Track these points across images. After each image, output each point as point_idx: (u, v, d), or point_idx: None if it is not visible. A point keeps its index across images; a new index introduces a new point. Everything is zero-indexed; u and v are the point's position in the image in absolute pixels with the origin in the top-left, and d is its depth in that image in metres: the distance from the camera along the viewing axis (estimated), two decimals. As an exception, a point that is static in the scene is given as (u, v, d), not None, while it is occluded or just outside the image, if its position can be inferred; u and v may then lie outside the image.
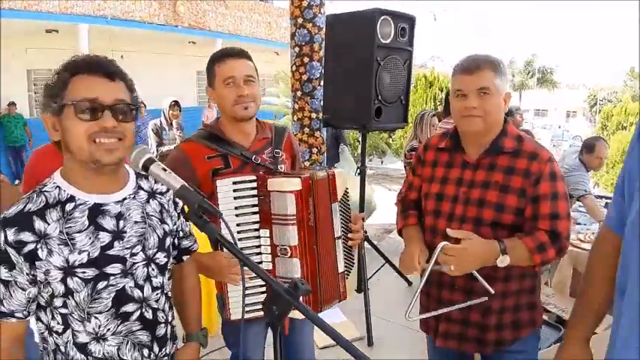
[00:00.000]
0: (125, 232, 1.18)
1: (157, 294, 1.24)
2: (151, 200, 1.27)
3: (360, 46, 3.08)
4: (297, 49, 3.71)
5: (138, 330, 1.20)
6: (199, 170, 1.65)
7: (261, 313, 1.18)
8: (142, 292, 1.20)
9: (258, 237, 1.61)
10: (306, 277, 1.56)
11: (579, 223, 3.82)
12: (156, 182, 1.29)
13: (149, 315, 1.22)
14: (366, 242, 3.74)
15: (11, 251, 1.06)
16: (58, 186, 1.15)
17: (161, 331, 1.26)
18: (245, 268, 1.03)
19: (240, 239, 1.58)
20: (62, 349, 1.15)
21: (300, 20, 3.65)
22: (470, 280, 1.54)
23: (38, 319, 1.17)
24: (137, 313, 1.20)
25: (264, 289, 1.59)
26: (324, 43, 3.53)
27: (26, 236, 1.07)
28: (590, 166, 4.18)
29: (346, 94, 3.21)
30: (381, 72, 3.08)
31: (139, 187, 1.26)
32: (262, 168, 1.70)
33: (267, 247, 1.60)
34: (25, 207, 1.10)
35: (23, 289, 1.10)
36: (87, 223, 1.13)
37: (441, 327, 1.66)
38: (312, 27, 3.64)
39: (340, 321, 3.35)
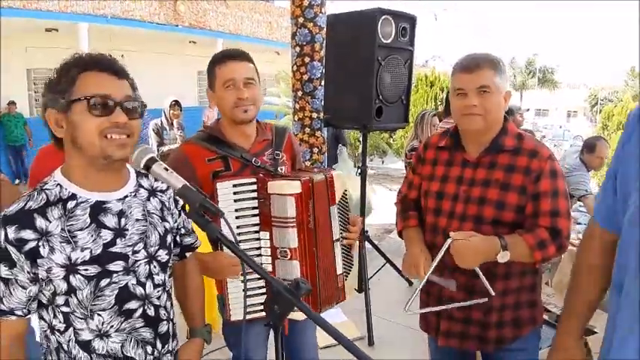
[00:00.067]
0: (127, 229, 1.18)
1: (159, 291, 1.25)
2: (151, 198, 1.27)
3: (361, 45, 3.08)
4: (298, 48, 3.71)
5: (141, 327, 1.21)
6: (200, 172, 1.65)
7: (262, 313, 1.18)
8: (144, 290, 1.21)
9: (258, 239, 1.61)
10: (306, 278, 1.56)
11: (580, 223, 3.81)
12: (156, 180, 1.29)
13: (151, 312, 1.23)
14: (366, 242, 3.74)
15: (11, 249, 1.06)
16: (59, 184, 1.15)
17: (163, 328, 1.27)
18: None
19: (240, 241, 1.58)
20: (65, 347, 1.16)
21: (301, 20, 3.65)
22: (471, 277, 1.54)
23: (40, 317, 1.17)
24: (140, 311, 1.20)
25: (264, 289, 1.59)
26: (325, 42, 3.53)
27: (27, 234, 1.07)
28: (591, 165, 4.18)
29: (347, 94, 3.20)
30: (381, 72, 3.08)
31: (140, 185, 1.26)
32: (262, 170, 1.70)
33: (267, 250, 1.61)
34: (25, 205, 1.10)
35: (23, 287, 1.10)
36: (88, 220, 1.13)
37: (443, 326, 1.66)
38: (313, 27, 3.64)
39: (341, 321, 3.35)
